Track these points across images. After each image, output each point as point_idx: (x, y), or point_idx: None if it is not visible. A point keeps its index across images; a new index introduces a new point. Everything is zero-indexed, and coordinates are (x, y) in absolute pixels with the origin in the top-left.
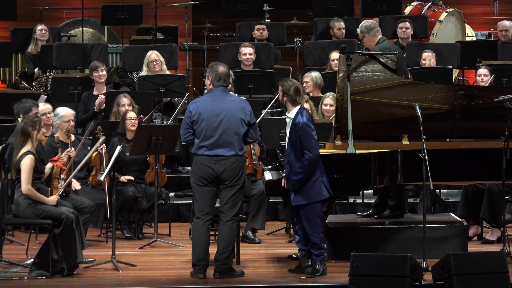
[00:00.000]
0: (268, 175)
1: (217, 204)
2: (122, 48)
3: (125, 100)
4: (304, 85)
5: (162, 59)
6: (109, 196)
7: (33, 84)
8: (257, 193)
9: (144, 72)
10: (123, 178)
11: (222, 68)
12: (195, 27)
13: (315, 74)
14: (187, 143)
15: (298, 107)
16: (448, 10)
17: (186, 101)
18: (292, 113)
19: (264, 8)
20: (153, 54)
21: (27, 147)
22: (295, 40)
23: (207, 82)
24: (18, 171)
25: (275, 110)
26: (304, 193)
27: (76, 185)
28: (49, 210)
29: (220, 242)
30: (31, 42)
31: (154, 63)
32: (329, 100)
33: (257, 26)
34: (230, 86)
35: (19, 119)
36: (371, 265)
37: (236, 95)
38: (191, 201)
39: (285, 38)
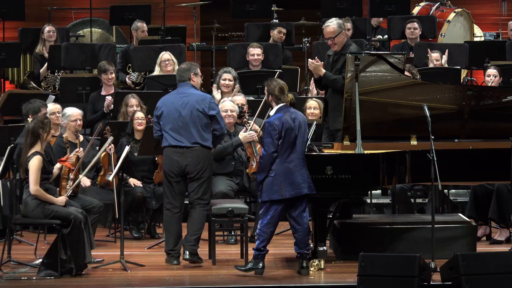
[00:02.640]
0: None
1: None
2: (121, 49)
3: (133, 100)
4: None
5: (175, 59)
6: (118, 196)
7: (41, 84)
8: None
9: (156, 72)
10: (131, 182)
11: (183, 65)
12: (204, 27)
13: None
14: (158, 138)
15: (278, 106)
16: (456, 10)
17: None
18: (272, 111)
19: (273, 8)
20: (165, 54)
21: (36, 147)
22: (304, 41)
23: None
24: (27, 171)
25: None
26: (262, 191)
27: (86, 181)
28: (57, 210)
29: (191, 225)
30: (39, 42)
31: (167, 62)
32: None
33: (278, 28)
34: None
35: (28, 120)
36: (379, 265)
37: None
38: None
39: (294, 38)
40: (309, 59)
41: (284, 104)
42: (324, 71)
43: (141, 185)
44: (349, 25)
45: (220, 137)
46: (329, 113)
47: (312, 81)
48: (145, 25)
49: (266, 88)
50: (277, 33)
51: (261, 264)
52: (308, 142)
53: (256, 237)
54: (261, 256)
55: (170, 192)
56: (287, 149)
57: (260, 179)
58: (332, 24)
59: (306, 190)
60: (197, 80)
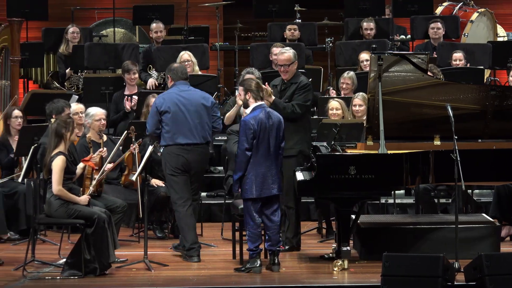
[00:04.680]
0: (299, 175)
1: None
2: (143, 49)
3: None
4: (344, 85)
5: (194, 60)
6: (141, 196)
7: (65, 84)
8: None
9: None
10: (153, 182)
11: (176, 64)
12: (226, 27)
13: (354, 75)
14: (153, 136)
15: (255, 105)
16: (479, 10)
17: (216, 101)
18: (248, 109)
19: (295, 8)
20: (185, 54)
21: (60, 147)
22: (326, 40)
23: (169, 81)
24: (50, 171)
25: None
26: (242, 189)
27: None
28: (81, 210)
29: None
30: (62, 43)
31: (186, 63)
32: (358, 100)
33: (288, 26)
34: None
35: (52, 120)
36: (403, 266)
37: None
38: (223, 201)
39: (316, 38)
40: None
41: (260, 103)
42: (274, 97)
43: (163, 185)
44: (372, 24)
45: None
46: None
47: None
48: (161, 25)
49: (241, 87)
50: (288, 32)
51: (258, 262)
52: (332, 142)
53: (247, 239)
54: (256, 254)
55: (178, 186)
56: (260, 149)
57: (236, 178)
58: (288, 52)
59: (275, 191)
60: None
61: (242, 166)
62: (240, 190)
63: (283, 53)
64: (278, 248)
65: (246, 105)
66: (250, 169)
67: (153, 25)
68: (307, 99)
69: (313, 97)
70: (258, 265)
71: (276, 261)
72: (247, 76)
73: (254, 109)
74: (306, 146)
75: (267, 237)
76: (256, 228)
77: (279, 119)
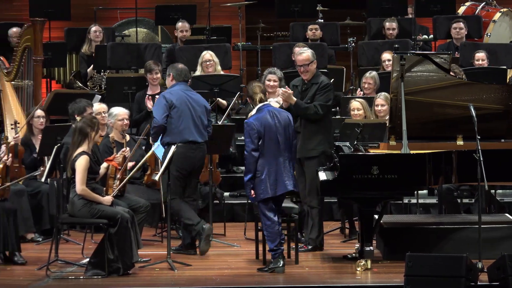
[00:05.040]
0: (322, 175)
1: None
2: (166, 48)
3: None
4: (366, 85)
5: (216, 59)
6: (164, 196)
7: (88, 84)
8: None
9: (198, 72)
10: None
11: (182, 65)
12: (249, 27)
13: (377, 75)
14: (159, 127)
15: (258, 106)
16: (502, 10)
17: (239, 101)
18: (253, 111)
19: (318, 8)
20: (207, 54)
21: (83, 147)
22: (349, 40)
23: (169, 79)
24: (73, 171)
25: None
26: (255, 191)
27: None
28: (104, 209)
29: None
30: (85, 42)
31: (207, 63)
32: (380, 100)
33: (310, 26)
34: (280, 85)
35: (77, 119)
36: (426, 266)
37: None
38: (246, 201)
39: (339, 38)
40: (281, 89)
41: (265, 103)
42: (295, 99)
43: None
44: (394, 24)
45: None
46: (299, 142)
47: None
48: (186, 24)
49: (247, 92)
50: (310, 32)
51: (281, 262)
52: (355, 142)
53: (266, 239)
54: (278, 254)
55: (177, 186)
56: (269, 148)
57: (246, 179)
58: (306, 52)
59: (290, 187)
60: None
61: (251, 167)
62: (252, 192)
63: (301, 53)
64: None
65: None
66: (262, 169)
67: (179, 24)
68: (329, 99)
69: (334, 97)
70: (281, 265)
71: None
72: (254, 83)
73: (258, 110)
74: (328, 147)
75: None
76: (273, 226)
77: (287, 117)
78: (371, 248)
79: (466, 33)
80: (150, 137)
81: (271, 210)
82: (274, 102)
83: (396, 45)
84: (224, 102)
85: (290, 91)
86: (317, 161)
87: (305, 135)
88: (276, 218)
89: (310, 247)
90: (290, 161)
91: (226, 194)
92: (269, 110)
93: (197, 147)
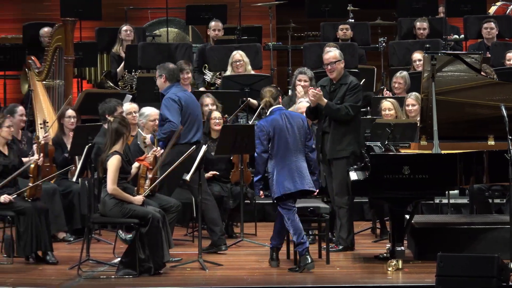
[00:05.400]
0: (353, 175)
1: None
2: (197, 48)
3: (208, 100)
4: (396, 85)
5: (246, 59)
6: (195, 196)
7: (119, 83)
8: None
9: (228, 72)
10: (208, 174)
11: (172, 65)
12: (279, 27)
13: (407, 75)
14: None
15: (271, 109)
16: None
17: None
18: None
19: (348, 8)
20: (237, 54)
21: (117, 147)
22: (380, 40)
23: (161, 79)
24: (105, 170)
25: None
26: (270, 191)
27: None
28: (135, 209)
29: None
30: (116, 42)
31: (238, 63)
32: (411, 100)
33: (341, 26)
34: (311, 85)
35: (110, 119)
36: (457, 266)
37: None
38: None
39: (370, 38)
40: (311, 89)
41: (277, 106)
42: (326, 100)
43: (217, 173)
44: (425, 24)
45: None
46: (328, 143)
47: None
48: (220, 24)
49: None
50: (341, 32)
51: (309, 259)
52: (386, 142)
53: (292, 235)
54: (305, 250)
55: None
56: (279, 149)
57: (256, 180)
58: (333, 51)
59: (300, 187)
60: None
61: (260, 169)
62: (261, 192)
63: (328, 52)
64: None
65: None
66: (272, 170)
67: (212, 23)
68: (358, 100)
69: (364, 96)
70: (309, 262)
71: (274, 257)
72: (266, 88)
73: (270, 112)
74: (358, 147)
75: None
76: (295, 223)
77: (300, 118)
78: (402, 248)
79: (497, 33)
80: (161, 144)
81: (287, 207)
82: (305, 102)
83: (427, 45)
84: (255, 102)
85: (321, 92)
86: (346, 161)
87: (334, 136)
88: (296, 219)
89: (340, 247)
90: (305, 162)
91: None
92: (281, 113)
93: (199, 147)
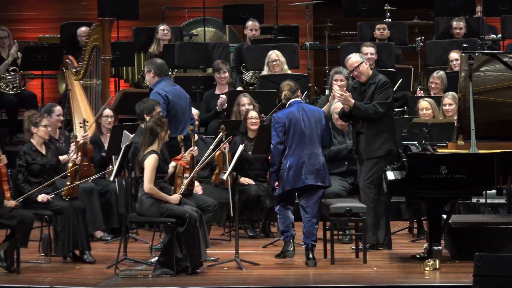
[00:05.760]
0: (390, 175)
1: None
2: (235, 47)
3: (245, 99)
4: (433, 85)
5: (282, 59)
6: (232, 195)
7: None
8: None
9: (265, 72)
10: (244, 181)
11: (160, 60)
12: (316, 27)
13: (444, 75)
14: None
15: (289, 102)
16: None
17: (307, 100)
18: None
19: (385, 7)
20: (273, 54)
21: (153, 146)
22: (417, 40)
23: (150, 75)
24: (142, 170)
25: (396, 109)
26: (278, 182)
27: (198, 189)
28: (172, 208)
29: None
30: (153, 42)
31: (274, 62)
32: (448, 99)
33: (378, 26)
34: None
35: (146, 118)
36: (495, 266)
37: None
38: None
39: (406, 37)
40: (337, 91)
41: (295, 99)
42: (353, 101)
43: (254, 184)
44: (462, 24)
45: None
46: (363, 143)
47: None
48: (257, 23)
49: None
50: (378, 31)
51: (291, 246)
52: (423, 142)
53: (279, 221)
54: (289, 238)
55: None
56: (293, 141)
57: (272, 171)
58: (352, 56)
59: (309, 181)
60: None
61: (276, 160)
62: (276, 183)
63: (348, 59)
64: (312, 242)
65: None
66: (285, 162)
67: (249, 23)
68: (388, 97)
69: (401, 96)
70: (290, 249)
71: (310, 256)
72: (285, 82)
73: (289, 105)
74: (393, 144)
75: (303, 230)
76: (284, 213)
77: (316, 112)
78: (440, 248)
79: None
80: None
81: (287, 203)
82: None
83: (464, 45)
84: None
85: (347, 94)
86: (384, 160)
87: (368, 136)
88: (289, 212)
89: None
90: (321, 155)
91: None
92: (299, 106)
93: (188, 141)
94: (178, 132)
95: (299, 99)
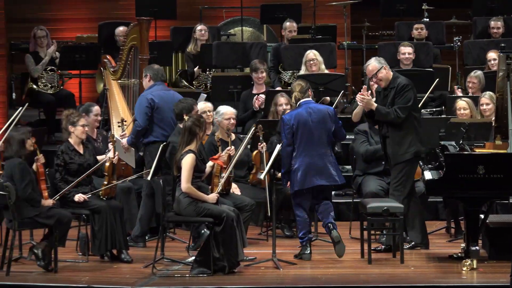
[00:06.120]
0: (428, 175)
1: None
2: (272, 47)
3: (282, 99)
4: (470, 85)
5: (320, 58)
6: (269, 195)
7: (193, 82)
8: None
9: (302, 71)
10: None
11: (157, 66)
12: (354, 26)
13: (482, 75)
14: (142, 130)
15: (299, 102)
16: None
17: (344, 100)
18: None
19: (423, 7)
20: (310, 54)
21: (191, 146)
22: (454, 39)
23: (146, 79)
24: (180, 169)
25: (434, 109)
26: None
27: (236, 191)
28: (210, 208)
29: None
30: (190, 42)
31: (311, 62)
32: (485, 99)
33: (415, 25)
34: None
35: (185, 118)
36: None
37: None
38: (351, 200)
39: (444, 37)
40: (359, 95)
41: (305, 100)
42: (375, 105)
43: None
44: (500, 23)
45: None
46: (389, 148)
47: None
48: (294, 24)
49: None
50: (415, 31)
51: (308, 249)
52: (460, 142)
53: (297, 227)
54: (306, 242)
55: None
56: (301, 142)
57: (283, 172)
58: (371, 62)
59: (319, 182)
60: None
61: (284, 161)
62: (289, 183)
63: (367, 66)
64: (331, 220)
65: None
66: (294, 163)
67: (287, 24)
68: (408, 100)
69: (438, 96)
70: (307, 252)
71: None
72: (296, 82)
73: (298, 105)
74: (421, 146)
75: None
76: (302, 216)
77: (326, 113)
78: (477, 247)
79: None
80: (128, 140)
81: (300, 203)
82: None
83: (502, 44)
84: (328, 98)
85: (369, 97)
86: (411, 163)
87: (394, 141)
88: (303, 211)
89: (410, 245)
90: (330, 156)
91: (332, 193)
92: (307, 106)
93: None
94: (164, 136)
95: (310, 99)
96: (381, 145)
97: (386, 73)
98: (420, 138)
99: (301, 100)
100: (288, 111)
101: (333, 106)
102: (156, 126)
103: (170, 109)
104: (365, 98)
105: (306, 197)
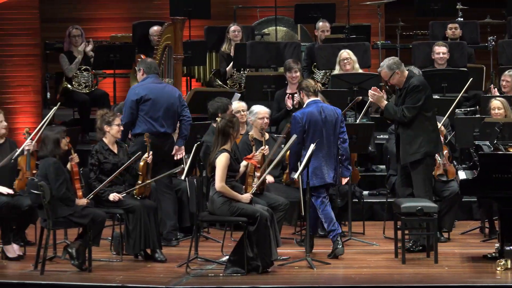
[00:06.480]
0: (462, 175)
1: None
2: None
3: None
4: (504, 83)
5: (354, 57)
6: (303, 194)
7: (227, 82)
8: (449, 194)
9: (336, 71)
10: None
11: (150, 59)
12: (388, 26)
13: None
14: (125, 124)
15: (308, 101)
16: None
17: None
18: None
19: (457, 6)
20: (344, 53)
21: (225, 146)
22: (489, 39)
23: (140, 73)
24: (213, 169)
25: (468, 109)
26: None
27: (270, 178)
28: (243, 207)
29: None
30: (224, 41)
31: (345, 61)
32: None
33: (449, 25)
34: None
35: (217, 119)
36: None
37: None
38: (385, 200)
39: (479, 36)
40: (370, 91)
41: (313, 99)
42: (386, 102)
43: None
44: None
45: (190, 124)
46: (400, 146)
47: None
48: (327, 24)
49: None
50: (449, 31)
51: (340, 243)
52: (495, 141)
53: (323, 222)
54: (336, 236)
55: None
56: (312, 141)
57: (290, 168)
58: (382, 68)
59: (330, 180)
60: None
61: (292, 158)
62: (294, 178)
63: (380, 71)
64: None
65: (302, 104)
66: (313, 160)
67: (320, 24)
68: (417, 100)
69: (473, 95)
70: (340, 246)
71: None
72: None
73: (308, 104)
74: (432, 146)
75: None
76: (323, 208)
77: (335, 112)
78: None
79: None
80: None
81: (322, 200)
82: None
83: None
84: (360, 98)
85: (380, 94)
86: (422, 163)
87: (404, 140)
88: (327, 207)
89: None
90: (334, 155)
91: (365, 192)
92: (317, 106)
93: (167, 138)
94: (153, 128)
95: (318, 98)
96: (395, 143)
97: (399, 77)
98: (431, 138)
99: (310, 99)
100: None
101: (366, 106)
102: (141, 118)
103: (163, 101)
104: (375, 95)
105: (324, 193)
